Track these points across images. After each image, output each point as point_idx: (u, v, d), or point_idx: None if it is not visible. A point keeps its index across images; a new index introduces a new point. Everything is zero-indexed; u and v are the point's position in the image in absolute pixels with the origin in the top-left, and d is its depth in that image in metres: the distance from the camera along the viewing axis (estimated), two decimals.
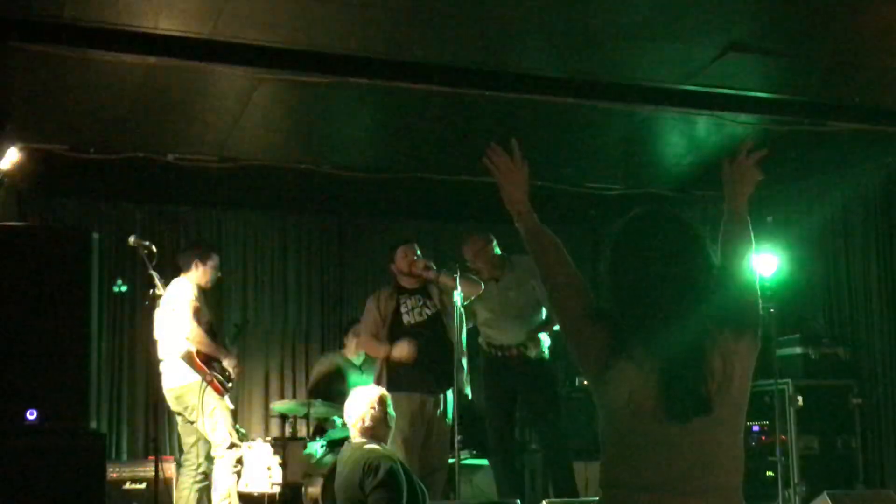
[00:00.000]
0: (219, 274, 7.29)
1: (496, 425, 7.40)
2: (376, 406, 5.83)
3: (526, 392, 7.29)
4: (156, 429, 6.85)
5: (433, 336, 6.86)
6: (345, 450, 6.08)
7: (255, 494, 7.71)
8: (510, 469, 7.51)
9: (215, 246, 7.77)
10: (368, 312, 7.04)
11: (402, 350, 6.73)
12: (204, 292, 7.15)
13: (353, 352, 8.75)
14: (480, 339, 7.45)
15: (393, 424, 5.90)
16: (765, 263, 8.04)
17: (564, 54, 6.18)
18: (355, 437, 5.87)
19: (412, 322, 6.93)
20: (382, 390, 6.00)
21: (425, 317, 6.95)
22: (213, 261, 7.16)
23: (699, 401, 2.55)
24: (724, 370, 2.58)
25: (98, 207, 9.07)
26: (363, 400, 5.84)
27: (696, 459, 2.57)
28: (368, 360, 8.24)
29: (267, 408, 9.25)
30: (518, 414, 7.70)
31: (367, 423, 5.78)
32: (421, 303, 6.99)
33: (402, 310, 6.96)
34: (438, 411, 6.83)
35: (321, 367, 9.00)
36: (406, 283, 7.05)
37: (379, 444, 5.78)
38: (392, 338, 6.84)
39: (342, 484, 5.83)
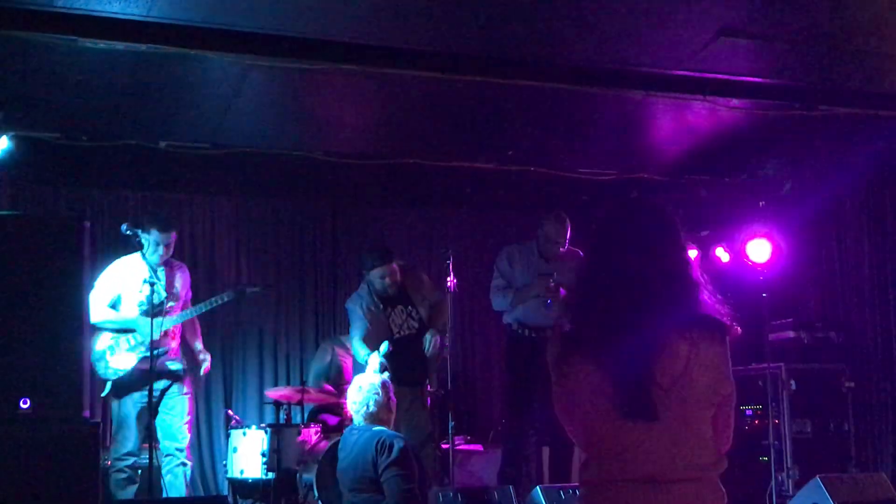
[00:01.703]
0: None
1: (517, 406, 7.54)
2: (380, 392, 6.03)
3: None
4: (149, 416, 6.84)
5: (418, 342, 7.41)
6: (347, 435, 6.18)
7: (250, 481, 7.72)
8: (522, 451, 7.65)
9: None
10: (356, 317, 7.41)
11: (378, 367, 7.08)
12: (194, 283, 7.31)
13: None
14: (508, 319, 7.71)
15: (395, 410, 6.10)
16: (757, 248, 8.07)
17: (557, 40, 6.17)
18: (359, 422, 6.02)
19: (401, 334, 7.41)
20: (385, 378, 6.19)
21: (413, 330, 7.45)
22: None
23: (644, 405, 2.57)
24: (685, 370, 2.58)
25: (90, 195, 9.05)
26: (367, 387, 6.05)
27: (665, 453, 2.59)
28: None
29: (261, 395, 9.25)
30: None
31: (371, 408, 6.02)
32: (405, 315, 7.47)
33: (391, 322, 7.42)
34: (418, 400, 7.35)
35: (321, 355, 9.04)
36: (384, 294, 7.43)
37: (378, 426, 5.95)
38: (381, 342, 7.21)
39: (350, 466, 5.96)
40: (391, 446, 5.79)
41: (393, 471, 5.75)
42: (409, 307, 7.51)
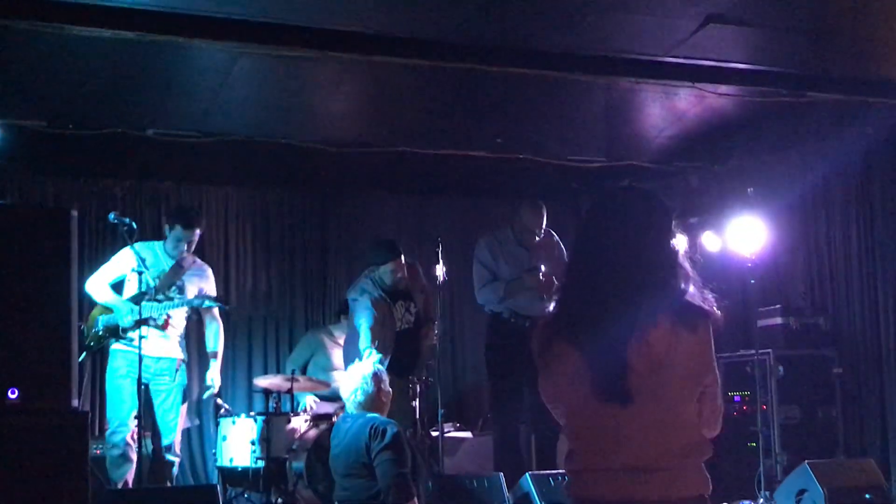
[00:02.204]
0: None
1: (507, 395, 7.55)
2: (370, 382, 6.11)
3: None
4: (140, 405, 6.82)
5: (414, 335, 7.59)
6: (340, 423, 6.24)
7: (239, 470, 7.72)
8: (514, 440, 7.67)
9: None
10: (363, 307, 7.36)
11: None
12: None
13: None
14: (498, 308, 7.69)
15: (388, 400, 6.16)
16: (746, 235, 8.08)
17: (545, 27, 6.16)
18: (351, 410, 6.11)
19: (401, 328, 7.52)
20: (378, 367, 6.25)
21: (410, 324, 7.59)
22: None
23: (620, 389, 2.59)
24: (665, 357, 2.59)
25: (77, 184, 9.00)
26: (358, 376, 6.13)
27: (645, 440, 2.60)
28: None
29: (250, 383, 9.25)
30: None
31: (360, 397, 6.08)
32: (405, 309, 7.57)
33: (395, 315, 7.50)
34: (405, 391, 7.41)
35: (306, 343, 9.05)
36: (389, 289, 7.50)
37: (372, 412, 6.02)
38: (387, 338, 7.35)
39: (343, 452, 6.03)
40: (384, 432, 5.88)
41: (385, 455, 5.83)
42: (409, 301, 7.59)
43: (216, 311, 7.40)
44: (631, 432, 2.60)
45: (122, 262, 7.09)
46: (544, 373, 2.76)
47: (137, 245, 6.95)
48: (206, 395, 7.58)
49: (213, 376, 7.43)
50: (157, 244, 7.18)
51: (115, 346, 7.00)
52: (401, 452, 5.88)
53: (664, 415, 2.61)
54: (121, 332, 6.87)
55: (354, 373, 6.28)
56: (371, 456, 5.89)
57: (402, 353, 7.38)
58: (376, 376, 6.21)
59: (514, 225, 7.78)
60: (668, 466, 2.60)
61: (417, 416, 7.51)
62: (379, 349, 7.07)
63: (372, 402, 6.13)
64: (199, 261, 7.43)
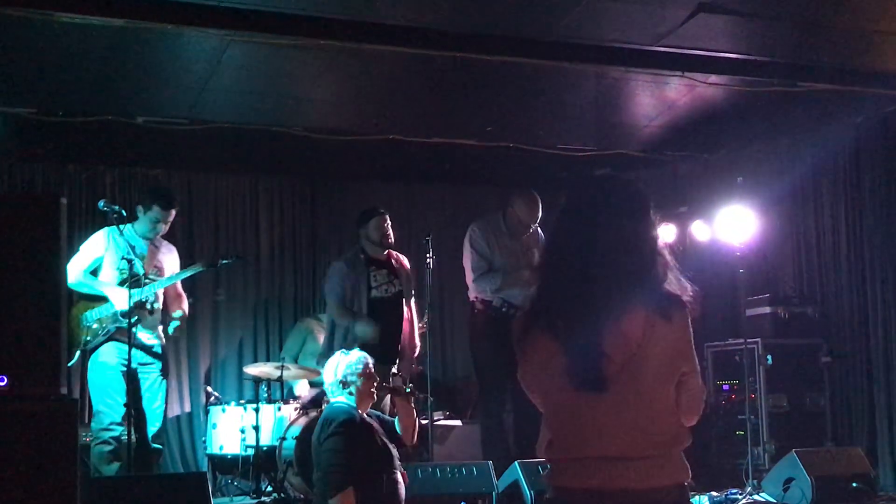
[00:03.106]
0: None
1: (498, 384, 7.52)
2: (350, 367, 6.03)
3: None
4: (129, 393, 6.81)
5: (393, 311, 7.44)
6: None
7: (229, 457, 7.73)
8: (499, 429, 7.66)
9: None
10: (337, 279, 7.43)
11: (366, 332, 7.19)
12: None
13: None
14: (490, 297, 7.67)
15: (363, 385, 6.03)
16: (735, 224, 8.10)
17: (536, 15, 6.16)
18: (331, 398, 6.06)
19: (379, 297, 7.41)
20: (361, 353, 6.17)
21: (390, 294, 7.47)
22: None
23: (595, 377, 2.59)
24: (640, 346, 2.59)
25: (67, 171, 8.98)
26: (341, 363, 6.07)
27: (620, 429, 2.60)
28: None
29: (240, 371, 9.25)
30: None
31: (343, 385, 5.98)
32: (387, 279, 7.49)
33: (372, 283, 7.41)
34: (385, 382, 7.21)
35: (297, 331, 9.06)
36: (375, 254, 7.48)
37: (346, 402, 5.92)
38: (358, 307, 7.33)
39: (313, 442, 5.97)
40: (332, 421, 5.79)
41: (326, 444, 5.75)
42: (392, 274, 7.52)
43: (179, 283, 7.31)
44: (608, 421, 2.61)
45: (95, 246, 6.96)
46: (522, 361, 2.77)
47: (109, 230, 6.91)
48: (172, 328, 7.15)
49: (182, 308, 7.24)
50: (127, 227, 6.98)
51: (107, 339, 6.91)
52: (346, 438, 5.74)
53: (640, 403, 2.61)
54: (120, 317, 6.77)
55: (337, 360, 6.17)
56: (320, 445, 5.85)
57: (382, 330, 7.25)
58: (356, 361, 6.12)
59: (507, 215, 7.77)
60: (646, 455, 2.61)
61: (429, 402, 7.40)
62: (344, 316, 7.23)
63: (354, 389, 6.03)
64: (163, 239, 7.31)
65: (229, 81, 7.15)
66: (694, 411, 2.73)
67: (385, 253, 7.54)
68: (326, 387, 6.19)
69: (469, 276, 7.78)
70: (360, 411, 6.02)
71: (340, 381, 6.04)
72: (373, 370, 6.15)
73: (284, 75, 7.24)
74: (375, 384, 6.16)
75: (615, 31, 6.43)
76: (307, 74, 7.20)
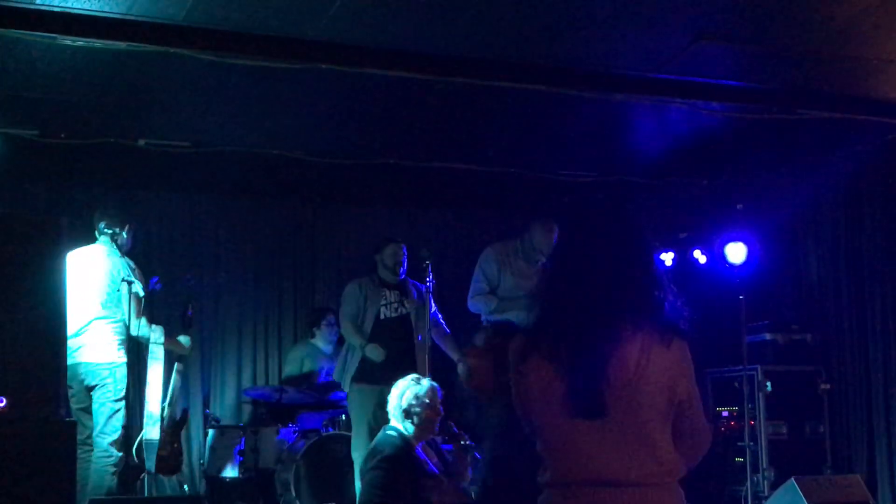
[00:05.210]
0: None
1: (506, 410, 7.47)
2: (417, 398, 5.87)
3: None
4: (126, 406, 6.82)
5: (402, 333, 7.57)
6: None
7: (228, 480, 7.72)
8: (510, 463, 7.62)
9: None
10: (351, 299, 7.60)
11: (376, 353, 7.34)
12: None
13: (326, 340, 8.81)
14: (494, 319, 7.76)
15: (426, 416, 5.89)
16: (734, 251, 8.11)
17: (536, 41, 6.18)
18: (391, 420, 5.93)
19: (388, 316, 7.57)
20: (431, 384, 6.02)
21: (399, 314, 7.61)
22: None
23: (593, 405, 2.59)
24: (636, 373, 2.58)
25: (69, 193, 9.00)
26: (408, 391, 5.92)
27: (615, 457, 2.59)
28: (337, 349, 8.35)
29: (239, 394, 9.24)
30: None
31: (405, 414, 5.87)
32: (398, 300, 7.63)
33: (382, 303, 7.59)
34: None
35: (293, 355, 9.05)
36: (388, 279, 7.68)
37: (400, 432, 5.81)
38: (367, 325, 7.49)
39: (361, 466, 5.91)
40: (378, 454, 5.71)
41: (368, 476, 5.70)
42: (404, 296, 7.67)
43: None
44: (603, 447, 2.60)
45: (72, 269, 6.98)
46: (518, 386, 2.76)
47: (82, 251, 6.95)
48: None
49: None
50: (94, 248, 7.07)
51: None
52: (381, 479, 5.63)
53: (636, 430, 2.60)
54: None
55: (401, 385, 6.01)
56: (363, 475, 5.80)
57: (392, 352, 7.37)
58: (431, 390, 5.99)
59: (524, 241, 7.81)
60: (640, 482, 2.59)
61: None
62: (355, 336, 7.39)
63: (413, 415, 5.89)
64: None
65: (231, 105, 7.18)
66: (698, 443, 2.73)
67: (402, 278, 7.71)
68: (389, 409, 5.99)
69: (469, 295, 7.88)
70: (416, 441, 5.88)
71: (403, 410, 5.87)
72: (439, 402, 5.99)
73: (285, 99, 7.26)
74: (438, 417, 5.99)
75: (616, 57, 6.45)
76: (308, 99, 7.22)
